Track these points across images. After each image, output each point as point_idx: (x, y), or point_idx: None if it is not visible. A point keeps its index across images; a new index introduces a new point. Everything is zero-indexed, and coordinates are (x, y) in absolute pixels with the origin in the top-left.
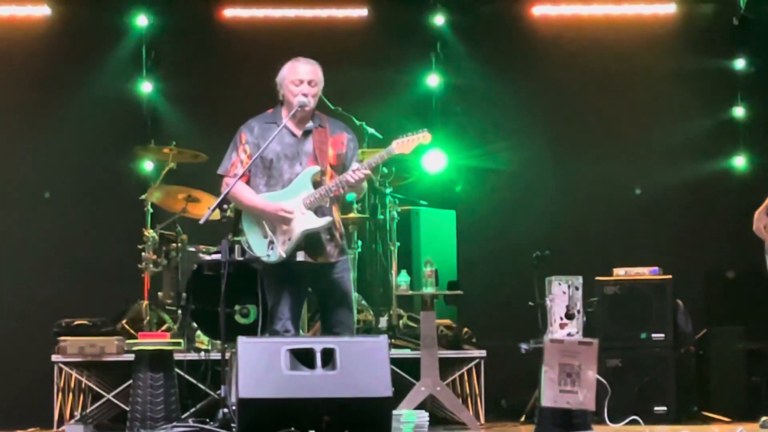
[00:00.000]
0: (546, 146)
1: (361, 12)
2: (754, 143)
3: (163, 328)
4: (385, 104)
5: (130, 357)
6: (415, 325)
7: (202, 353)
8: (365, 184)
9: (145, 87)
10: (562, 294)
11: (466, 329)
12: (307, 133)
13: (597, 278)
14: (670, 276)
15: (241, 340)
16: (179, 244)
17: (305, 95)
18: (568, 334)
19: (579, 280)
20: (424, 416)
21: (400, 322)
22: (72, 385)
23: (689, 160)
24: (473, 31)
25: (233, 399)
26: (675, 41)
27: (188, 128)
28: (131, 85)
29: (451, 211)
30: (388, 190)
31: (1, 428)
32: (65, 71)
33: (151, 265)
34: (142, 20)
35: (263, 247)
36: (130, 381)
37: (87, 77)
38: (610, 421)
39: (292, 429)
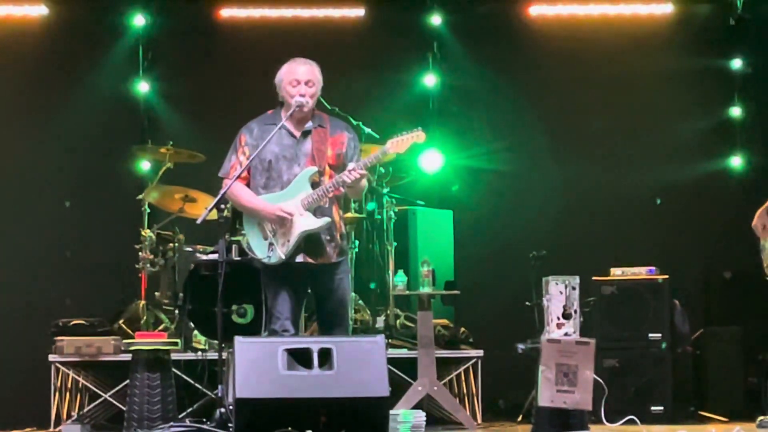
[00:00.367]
0: (543, 146)
1: (358, 12)
2: (750, 143)
3: (160, 327)
4: (382, 104)
5: (127, 357)
6: (412, 325)
7: (199, 353)
8: (365, 185)
9: (142, 87)
10: (559, 294)
11: (463, 329)
12: (306, 134)
13: (594, 278)
14: (667, 276)
15: (238, 340)
16: (176, 244)
17: (303, 96)
18: (565, 334)
19: (576, 280)
20: (421, 416)
21: (397, 322)
22: (69, 384)
23: (686, 160)
24: (470, 31)
25: (230, 399)
26: (672, 41)
27: (185, 128)
28: (128, 85)
29: (448, 211)
30: (385, 190)
31: None
32: (62, 71)
33: (148, 265)
34: (139, 20)
35: (263, 248)
36: (127, 381)
37: (84, 77)
38: (607, 421)
39: (289, 429)
